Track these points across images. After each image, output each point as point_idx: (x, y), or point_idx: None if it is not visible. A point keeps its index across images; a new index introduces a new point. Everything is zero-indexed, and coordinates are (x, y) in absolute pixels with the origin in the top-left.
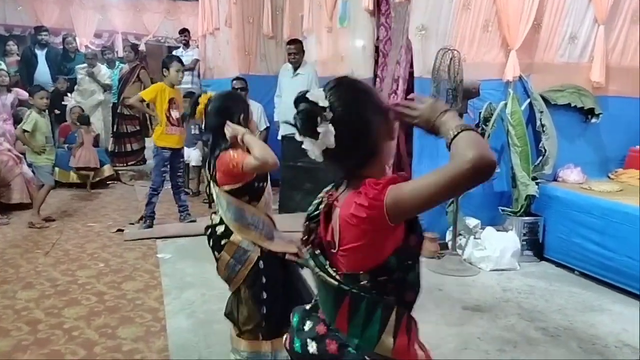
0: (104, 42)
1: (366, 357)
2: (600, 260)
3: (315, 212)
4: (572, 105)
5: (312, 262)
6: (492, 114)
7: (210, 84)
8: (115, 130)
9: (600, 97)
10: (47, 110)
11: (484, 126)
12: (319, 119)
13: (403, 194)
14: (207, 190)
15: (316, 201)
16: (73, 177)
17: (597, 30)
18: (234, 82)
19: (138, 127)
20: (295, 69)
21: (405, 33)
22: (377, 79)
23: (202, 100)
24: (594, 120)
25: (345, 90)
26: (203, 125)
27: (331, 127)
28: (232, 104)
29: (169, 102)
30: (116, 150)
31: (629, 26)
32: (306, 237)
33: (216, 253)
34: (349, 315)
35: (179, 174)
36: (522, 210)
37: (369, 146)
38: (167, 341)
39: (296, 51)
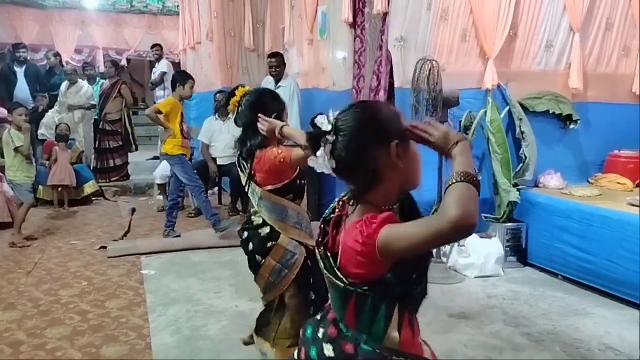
0: (84, 57)
1: (377, 350)
2: (582, 264)
3: (330, 216)
4: (550, 112)
5: (321, 264)
6: (472, 122)
7: (192, 97)
8: (97, 146)
9: (577, 103)
10: (29, 127)
11: (464, 134)
12: (321, 142)
13: (394, 238)
14: (246, 190)
15: (332, 205)
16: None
17: (572, 37)
18: (217, 95)
19: (120, 143)
20: (277, 81)
21: (383, 44)
22: (354, 90)
23: (239, 92)
24: (572, 126)
25: (352, 116)
26: (234, 118)
27: (326, 152)
28: (268, 100)
29: (181, 116)
30: (99, 166)
31: (603, 33)
32: (320, 238)
33: (259, 257)
34: (356, 313)
35: (181, 188)
36: (504, 217)
37: (368, 174)
38: (152, 358)
39: (277, 64)
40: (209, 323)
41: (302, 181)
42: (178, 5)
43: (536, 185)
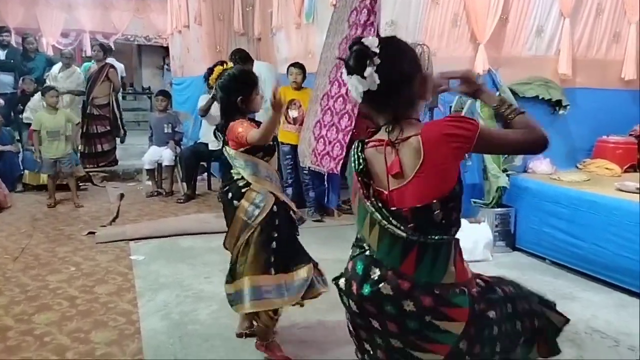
0: (71, 41)
1: (435, 289)
2: (570, 249)
3: (361, 167)
4: (540, 97)
5: (378, 215)
6: (462, 108)
7: (180, 82)
8: (85, 130)
9: (567, 89)
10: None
11: None
12: (368, 61)
13: (491, 132)
14: (223, 153)
15: (355, 158)
16: (43, 179)
17: (562, 23)
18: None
19: (108, 128)
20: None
21: (361, 26)
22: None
23: (217, 70)
24: (561, 112)
25: (395, 44)
26: (212, 95)
27: (376, 73)
28: (236, 85)
29: (289, 103)
30: (86, 151)
31: (593, 19)
32: (365, 191)
33: (235, 202)
34: (417, 260)
35: (304, 171)
36: (493, 202)
37: (407, 97)
38: (141, 344)
39: (238, 62)
40: (199, 308)
41: (273, 142)
42: None
43: (525, 171)
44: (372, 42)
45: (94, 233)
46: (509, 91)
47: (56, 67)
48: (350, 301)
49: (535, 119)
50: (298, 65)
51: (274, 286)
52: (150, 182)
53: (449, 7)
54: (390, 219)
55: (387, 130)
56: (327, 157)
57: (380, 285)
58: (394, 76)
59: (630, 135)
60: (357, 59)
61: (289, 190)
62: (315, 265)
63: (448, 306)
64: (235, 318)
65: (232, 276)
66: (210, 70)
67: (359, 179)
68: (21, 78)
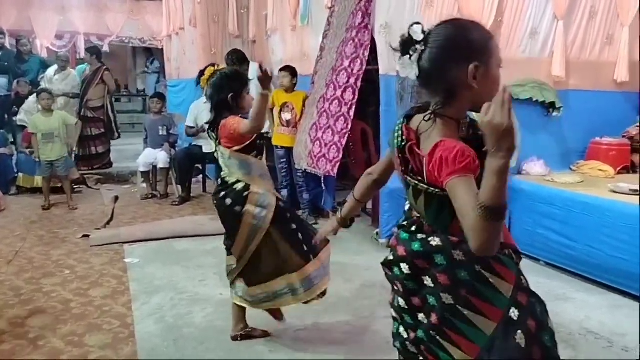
0: (65, 43)
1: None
2: (564, 250)
3: (403, 144)
4: (534, 99)
5: (420, 185)
6: None
7: (176, 84)
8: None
9: (561, 91)
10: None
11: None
12: (411, 50)
13: (454, 194)
14: (215, 155)
15: (397, 135)
16: (38, 182)
17: (556, 25)
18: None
19: (103, 130)
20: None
21: (355, 28)
22: (313, 72)
23: (208, 71)
24: (555, 113)
25: (442, 31)
26: (204, 94)
27: (413, 60)
28: (227, 83)
29: (282, 106)
30: (81, 154)
31: (587, 21)
32: (404, 167)
33: (238, 208)
34: (436, 211)
35: (298, 174)
36: None
37: (446, 89)
38: (135, 347)
39: (235, 62)
40: (194, 311)
41: (262, 141)
42: None
43: (519, 173)
44: (416, 30)
45: (88, 236)
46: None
47: (51, 70)
48: (402, 264)
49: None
50: (288, 69)
51: (320, 269)
52: (144, 185)
53: (443, 9)
54: (429, 187)
55: (425, 118)
56: (324, 159)
57: (430, 239)
58: (430, 65)
59: (624, 137)
60: (401, 46)
61: (284, 192)
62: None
63: (495, 261)
64: (230, 320)
65: (249, 280)
66: (202, 73)
67: (399, 155)
68: (15, 80)
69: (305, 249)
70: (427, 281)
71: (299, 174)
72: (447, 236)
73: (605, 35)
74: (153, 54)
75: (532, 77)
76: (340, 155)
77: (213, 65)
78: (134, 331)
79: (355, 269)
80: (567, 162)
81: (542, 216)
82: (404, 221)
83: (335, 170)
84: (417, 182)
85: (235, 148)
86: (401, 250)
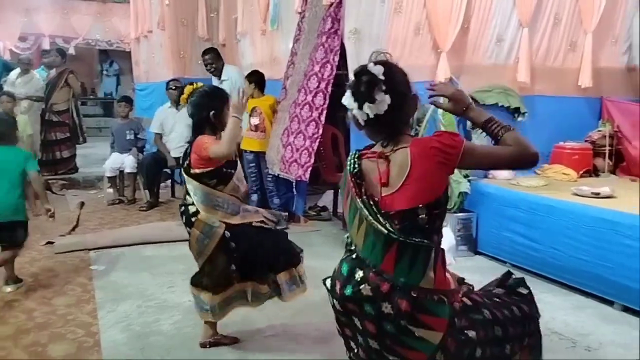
0: (29, 45)
1: (412, 292)
2: (529, 252)
3: (355, 170)
4: (500, 104)
5: (365, 212)
6: (424, 115)
7: (144, 87)
8: (43, 137)
9: (526, 96)
10: None
11: (417, 127)
12: (376, 88)
13: (476, 149)
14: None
15: (351, 162)
16: None
17: (521, 32)
18: (170, 83)
19: (68, 134)
20: (218, 76)
21: (325, 34)
22: (284, 77)
23: (187, 90)
24: (520, 118)
25: (395, 69)
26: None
27: (387, 96)
28: (207, 101)
29: (251, 110)
30: (45, 159)
31: (551, 28)
32: (357, 190)
33: (188, 228)
34: (396, 259)
35: (268, 178)
36: (455, 207)
37: (408, 115)
38: (101, 356)
39: (211, 61)
40: (162, 318)
41: (230, 170)
42: None
43: (486, 177)
44: (378, 70)
45: (52, 243)
46: (470, 99)
47: (14, 73)
48: (335, 300)
49: (524, 136)
50: (254, 74)
51: (238, 293)
52: (111, 190)
53: (411, 16)
54: (378, 216)
55: (383, 145)
56: (295, 164)
57: (362, 286)
58: (397, 99)
59: (586, 141)
60: (368, 86)
61: (254, 197)
62: (294, 265)
63: (425, 313)
64: (199, 327)
65: (197, 279)
66: (181, 91)
67: (352, 179)
68: None
69: (232, 274)
70: (357, 322)
71: (268, 179)
72: (378, 283)
73: (569, 42)
74: (109, 56)
75: (498, 83)
76: (312, 160)
77: (191, 83)
78: (99, 340)
79: (326, 273)
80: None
81: (508, 219)
82: (348, 246)
83: (307, 175)
84: (370, 214)
85: (198, 171)
86: (338, 287)
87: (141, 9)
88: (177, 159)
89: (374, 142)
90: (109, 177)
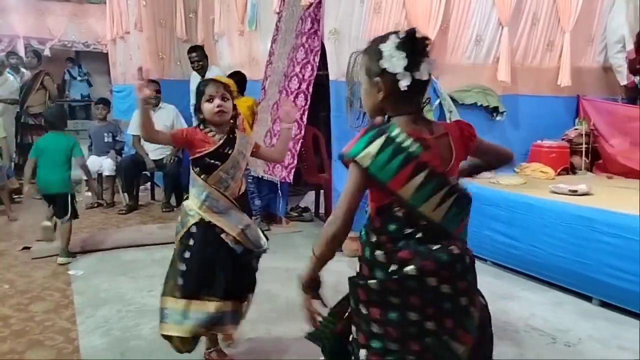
0: (3, 47)
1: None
2: (508, 250)
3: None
4: (479, 104)
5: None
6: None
7: (122, 89)
8: (19, 141)
9: (504, 95)
10: None
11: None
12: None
13: (483, 142)
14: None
15: (410, 144)
16: None
17: (501, 32)
18: (148, 85)
19: None
20: (202, 75)
21: (305, 34)
22: (264, 77)
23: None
24: (498, 117)
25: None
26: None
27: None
28: (196, 94)
29: None
30: (21, 163)
31: (530, 28)
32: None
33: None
34: (466, 221)
35: (249, 180)
36: None
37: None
38: None
39: (199, 58)
40: (142, 323)
41: (213, 161)
42: None
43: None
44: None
45: (29, 248)
46: (449, 98)
47: None
48: (428, 279)
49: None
50: (235, 74)
51: (176, 311)
52: (89, 193)
53: (390, 16)
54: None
55: (417, 124)
56: (279, 165)
57: (450, 247)
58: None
59: (563, 139)
60: (424, 46)
61: None
62: (241, 300)
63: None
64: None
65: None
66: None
67: (427, 157)
68: None
69: (179, 282)
70: (445, 289)
71: (250, 180)
72: (457, 242)
73: (547, 42)
74: (74, 61)
75: (477, 83)
76: (295, 161)
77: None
78: (78, 346)
79: None
80: (511, 165)
81: (488, 217)
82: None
83: (291, 177)
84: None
85: (191, 157)
86: (427, 262)
87: (117, 10)
88: (156, 161)
89: (379, 124)
90: (86, 181)
